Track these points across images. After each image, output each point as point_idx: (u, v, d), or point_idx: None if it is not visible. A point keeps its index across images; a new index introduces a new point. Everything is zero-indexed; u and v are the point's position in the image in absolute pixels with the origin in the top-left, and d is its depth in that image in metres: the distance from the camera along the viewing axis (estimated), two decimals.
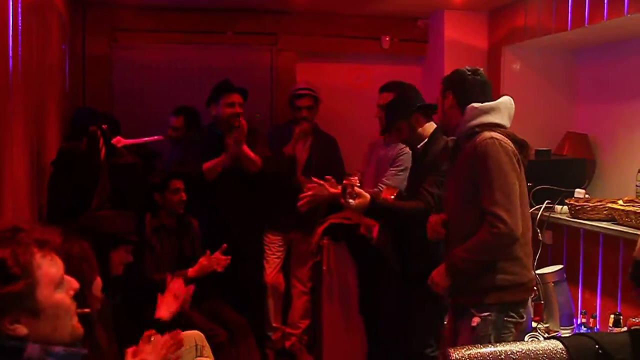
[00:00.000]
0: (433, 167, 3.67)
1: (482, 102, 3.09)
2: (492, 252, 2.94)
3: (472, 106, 3.07)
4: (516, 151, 2.98)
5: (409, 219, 3.74)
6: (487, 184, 2.91)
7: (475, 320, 2.96)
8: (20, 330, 1.60)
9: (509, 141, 2.98)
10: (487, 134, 2.97)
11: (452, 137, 3.31)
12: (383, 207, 3.72)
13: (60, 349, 1.63)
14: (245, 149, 4.78)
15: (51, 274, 1.66)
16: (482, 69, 3.23)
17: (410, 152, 4.25)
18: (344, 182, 3.70)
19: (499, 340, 2.95)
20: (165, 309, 3.37)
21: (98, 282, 2.51)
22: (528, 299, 3.16)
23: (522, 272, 3.00)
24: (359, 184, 3.68)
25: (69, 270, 1.85)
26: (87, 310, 1.84)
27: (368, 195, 3.60)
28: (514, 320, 3.00)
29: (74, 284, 1.75)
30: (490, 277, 2.96)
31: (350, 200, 3.59)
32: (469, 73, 3.17)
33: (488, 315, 2.96)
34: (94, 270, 2.46)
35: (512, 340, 2.98)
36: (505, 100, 3.14)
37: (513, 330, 3.01)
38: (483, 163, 2.93)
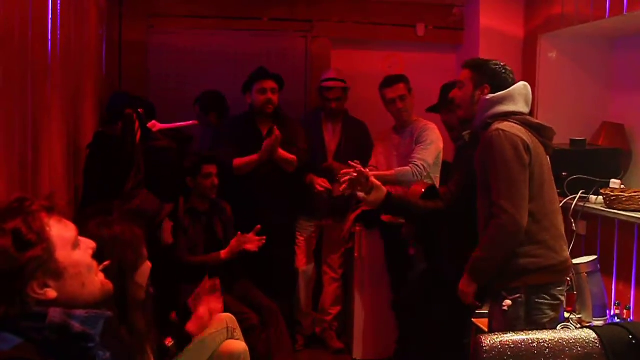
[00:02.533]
0: (464, 164, 3.65)
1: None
2: (502, 245, 2.97)
3: (484, 98, 3.12)
4: (526, 139, 2.98)
5: (426, 218, 3.74)
6: (493, 175, 2.96)
7: (507, 304, 2.97)
8: (50, 293, 1.64)
9: (518, 129, 2.99)
10: (495, 125, 3.00)
11: (467, 132, 3.32)
12: (400, 203, 3.63)
13: (81, 312, 1.67)
14: (281, 152, 4.83)
15: (65, 236, 1.71)
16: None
17: (433, 127, 4.57)
18: (353, 173, 3.55)
19: (531, 322, 2.96)
20: (197, 324, 3.35)
21: (144, 270, 2.52)
22: (563, 281, 3.12)
23: (548, 254, 3.00)
24: (372, 175, 3.55)
25: (111, 253, 1.88)
26: (107, 262, 1.86)
27: (385, 190, 3.52)
28: (547, 302, 2.99)
29: (91, 243, 1.80)
30: (516, 260, 2.98)
31: (360, 193, 3.50)
32: (503, 69, 3.20)
33: (518, 297, 2.97)
34: (140, 257, 2.47)
35: (548, 322, 3.00)
36: (519, 87, 3.15)
37: (548, 312, 2.99)
38: (489, 156, 2.98)
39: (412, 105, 4.84)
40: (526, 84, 3.19)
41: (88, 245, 1.79)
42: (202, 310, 3.38)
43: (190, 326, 3.34)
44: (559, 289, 3.04)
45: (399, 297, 4.67)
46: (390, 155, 4.83)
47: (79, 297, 1.70)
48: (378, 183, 3.50)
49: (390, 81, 4.83)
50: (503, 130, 2.96)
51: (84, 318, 1.66)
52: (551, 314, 3.01)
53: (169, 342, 3.18)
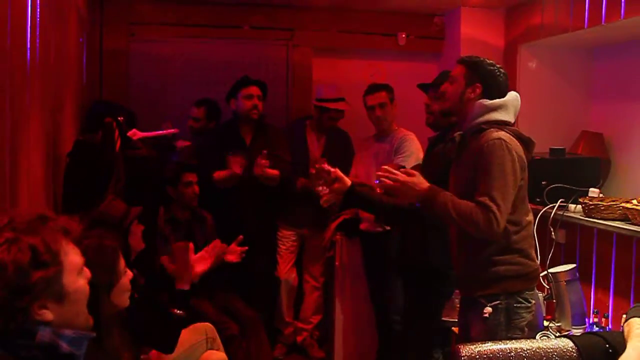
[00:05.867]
0: (434, 161, 3.66)
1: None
2: (472, 230, 2.94)
3: (481, 103, 3.09)
4: (521, 151, 3.01)
5: (387, 214, 3.76)
6: (488, 180, 2.92)
7: (488, 311, 3.00)
8: (47, 315, 1.66)
9: (515, 141, 3.01)
10: (495, 133, 2.99)
11: (458, 132, 3.29)
12: (362, 196, 3.61)
13: (69, 331, 1.69)
14: (267, 172, 4.83)
15: (75, 261, 1.74)
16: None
17: (412, 138, 4.56)
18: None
19: (512, 326, 3.00)
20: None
21: (122, 286, 2.50)
22: (534, 287, 3.17)
23: (526, 262, 3.06)
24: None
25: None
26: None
27: (349, 181, 3.52)
28: (523, 305, 3.04)
29: (88, 273, 1.82)
30: (496, 268, 3.02)
31: (320, 188, 3.54)
32: (498, 72, 3.17)
33: (498, 303, 3.00)
34: (114, 275, 2.45)
35: (526, 325, 3.05)
36: (513, 97, 3.16)
37: (525, 315, 3.05)
38: (487, 161, 2.94)
39: (393, 115, 4.81)
40: (518, 94, 3.19)
41: (87, 274, 1.81)
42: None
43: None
44: (531, 292, 3.10)
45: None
46: (369, 164, 4.80)
47: (70, 323, 1.72)
48: (342, 175, 3.51)
49: (373, 89, 4.81)
50: (505, 141, 2.95)
51: (71, 338, 1.69)
52: (528, 316, 3.08)
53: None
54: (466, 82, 3.18)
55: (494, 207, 2.86)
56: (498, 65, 3.20)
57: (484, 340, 2.88)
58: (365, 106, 4.84)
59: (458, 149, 3.23)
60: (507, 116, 3.10)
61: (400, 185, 3.11)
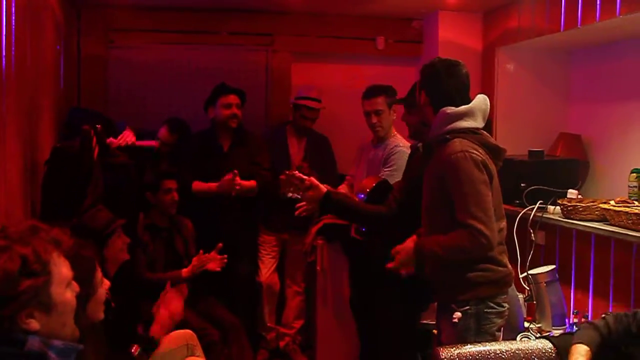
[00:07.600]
0: (410, 171, 3.65)
1: (456, 104, 3.03)
2: (465, 256, 2.95)
3: (444, 111, 3.02)
4: (486, 159, 2.97)
5: (365, 221, 3.78)
6: (462, 198, 2.90)
7: (457, 316, 2.97)
8: (33, 325, 1.68)
9: (480, 151, 2.96)
10: (458, 145, 2.94)
11: (420, 143, 3.27)
12: (338, 203, 3.63)
13: (59, 342, 1.72)
14: (244, 184, 4.82)
15: (64, 273, 1.78)
16: (461, 63, 3.13)
17: (403, 150, 4.39)
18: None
19: (482, 332, 2.97)
20: (159, 327, 3.31)
21: (98, 298, 2.48)
22: (507, 291, 3.13)
23: (496, 268, 3.01)
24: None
25: None
26: None
27: (324, 189, 3.53)
28: (494, 310, 3.01)
29: (76, 286, 1.85)
30: (466, 275, 2.98)
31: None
32: (444, 70, 3.08)
33: (468, 308, 2.97)
34: (90, 288, 2.43)
35: (496, 330, 3.02)
36: (479, 101, 3.09)
37: (496, 320, 3.01)
38: (455, 177, 2.91)
39: (391, 121, 4.63)
40: (486, 97, 3.14)
41: (75, 288, 1.84)
42: (163, 312, 3.35)
43: (154, 330, 3.32)
44: (503, 296, 3.06)
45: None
46: (362, 169, 4.76)
47: (56, 335, 1.74)
48: (317, 183, 3.54)
49: (370, 93, 4.61)
50: (469, 152, 2.91)
51: (60, 349, 1.71)
52: (499, 321, 3.04)
53: (135, 349, 3.15)
54: (419, 88, 3.19)
55: (476, 223, 2.84)
56: (448, 65, 3.10)
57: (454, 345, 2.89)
58: (363, 109, 4.67)
59: (424, 158, 3.21)
60: (474, 122, 3.04)
61: (401, 260, 3.16)
